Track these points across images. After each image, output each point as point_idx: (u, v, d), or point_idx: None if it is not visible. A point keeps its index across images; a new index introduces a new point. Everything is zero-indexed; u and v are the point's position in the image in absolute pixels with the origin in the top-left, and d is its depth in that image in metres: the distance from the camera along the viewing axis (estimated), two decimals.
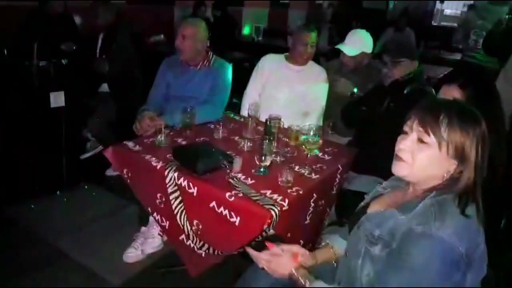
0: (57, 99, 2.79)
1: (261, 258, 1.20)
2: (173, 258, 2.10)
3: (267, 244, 1.21)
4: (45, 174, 2.92)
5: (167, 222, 1.81)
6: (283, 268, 1.18)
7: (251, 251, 1.23)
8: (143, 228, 2.33)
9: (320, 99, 2.66)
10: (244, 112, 2.67)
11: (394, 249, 1.00)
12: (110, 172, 3.27)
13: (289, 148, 1.98)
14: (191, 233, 1.69)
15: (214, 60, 2.52)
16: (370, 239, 1.07)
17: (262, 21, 7.89)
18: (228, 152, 1.83)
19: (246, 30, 6.23)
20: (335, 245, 1.35)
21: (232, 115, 2.56)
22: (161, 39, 5.22)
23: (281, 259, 1.19)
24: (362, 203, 1.28)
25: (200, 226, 1.67)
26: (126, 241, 2.35)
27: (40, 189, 2.88)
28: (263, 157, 1.72)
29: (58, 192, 2.95)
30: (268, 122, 1.93)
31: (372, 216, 1.14)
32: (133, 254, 2.24)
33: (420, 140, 1.04)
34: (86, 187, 3.10)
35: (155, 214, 1.86)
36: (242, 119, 2.47)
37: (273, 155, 1.78)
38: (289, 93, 2.61)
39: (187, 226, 1.69)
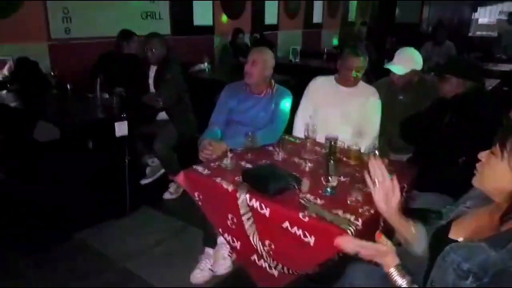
0: (121, 128, 2.99)
1: (369, 248, 1.22)
2: (240, 278, 2.18)
3: (377, 234, 1.25)
4: (111, 199, 3.11)
5: (239, 242, 1.90)
6: (385, 264, 1.21)
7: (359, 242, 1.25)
8: (207, 249, 2.43)
9: (374, 119, 2.69)
10: (297, 133, 2.76)
11: (486, 283, 0.99)
12: (167, 196, 3.43)
13: (353, 168, 2.04)
14: (264, 253, 1.76)
15: (276, 88, 2.64)
16: (458, 272, 1.06)
17: (297, 42, 8.06)
18: (291, 173, 1.91)
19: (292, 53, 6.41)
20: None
21: (287, 137, 2.65)
22: (205, 67, 5.46)
23: (385, 256, 1.21)
24: (443, 223, 1.30)
25: (273, 246, 1.74)
26: (191, 263, 2.45)
27: (106, 214, 3.06)
28: (329, 178, 1.78)
29: (122, 216, 3.12)
30: (331, 143, 2.00)
31: (458, 248, 1.11)
32: (200, 275, 2.33)
33: (492, 152, 1.09)
34: (147, 210, 3.26)
35: (226, 235, 1.95)
36: (297, 141, 2.56)
37: (339, 176, 1.84)
38: (342, 115, 2.67)
39: (259, 246, 1.77)
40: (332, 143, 2.01)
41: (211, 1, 6.34)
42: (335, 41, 9.44)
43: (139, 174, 3.50)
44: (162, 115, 3.39)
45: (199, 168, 2.06)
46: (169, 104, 3.27)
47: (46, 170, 3.11)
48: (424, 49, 5.90)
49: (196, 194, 2.02)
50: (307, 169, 2.07)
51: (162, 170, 3.57)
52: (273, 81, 2.70)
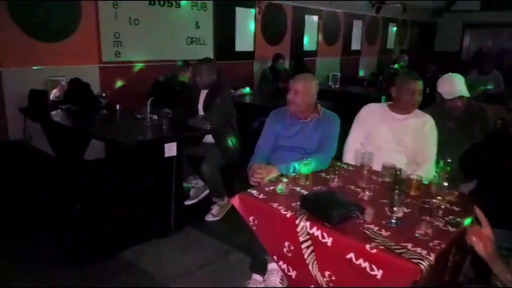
0: (171, 149, 3.03)
1: None
2: None
3: None
4: (156, 218, 3.13)
5: (295, 271, 1.83)
6: None
7: None
8: (255, 275, 2.37)
9: (430, 147, 2.61)
10: (347, 160, 2.70)
11: None
12: (209, 218, 3.42)
13: (415, 199, 1.95)
14: (323, 284, 1.69)
15: (323, 112, 2.62)
16: None
17: (335, 69, 8.07)
18: (353, 201, 1.84)
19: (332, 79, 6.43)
20: None
21: (339, 163, 2.59)
22: (245, 92, 5.53)
23: None
24: None
25: (333, 278, 1.67)
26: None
27: (151, 232, 3.08)
28: (394, 209, 1.71)
29: (167, 236, 3.13)
30: (396, 172, 1.93)
31: None
32: None
33: None
34: (190, 231, 3.25)
35: (281, 263, 1.89)
36: (350, 168, 2.50)
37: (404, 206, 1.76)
38: (396, 142, 2.60)
39: (319, 277, 1.70)
40: (399, 172, 1.94)
41: (253, 28, 6.48)
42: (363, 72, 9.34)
43: (183, 195, 3.51)
44: (209, 138, 3.42)
45: (254, 192, 2.04)
46: (216, 127, 3.30)
47: (94, 188, 3.19)
48: (470, 77, 5.75)
49: (251, 218, 1.98)
50: (365, 198, 2.00)
51: (206, 192, 3.58)
52: (319, 106, 2.67)
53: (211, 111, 3.32)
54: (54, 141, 4.05)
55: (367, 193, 2.03)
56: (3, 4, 3.79)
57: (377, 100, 5.51)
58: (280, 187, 2.04)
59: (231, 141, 3.38)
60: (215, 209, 3.45)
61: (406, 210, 1.84)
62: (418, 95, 2.59)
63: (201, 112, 3.44)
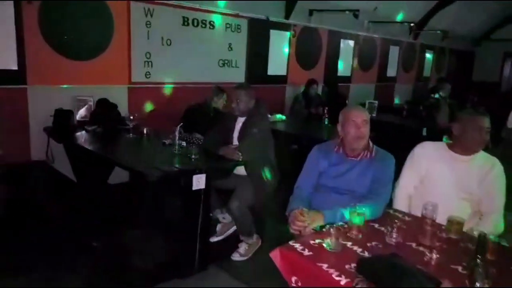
0: (199, 182, 2.76)
1: None
2: None
3: None
4: (179, 255, 2.85)
5: None
6: None
7: None
8: None
9: (498, 197, 2.23)
10: (398, 206, 2.36)
11: None
12: (236, 257, 3.11)
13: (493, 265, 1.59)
14: None
15: (376, 151, 2.29)
16: None
17: (369, 96, 7.74)
18: (424, 271, 1.49)
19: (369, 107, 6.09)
20: None
21: (391, 211, 2.24)
22: (281, 119, 5.26)
23: None
24: None
25: None
26: None
27: (173, 271, 2.79)
28: (477, 284, 1.36)
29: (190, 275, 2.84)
30: (481, 236, 1.56)
31: None
32: None
33: None
34: (215, 271, 2.94)
35: None
36: (407, 218, 2.15)
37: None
38: (459, 189, 2.24)
39: None
40: (484, 236, 1.57)
41: (287, 52, 6.26)
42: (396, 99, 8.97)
43: (209, 230, 3.21)
44: (241, 170, 3.13)
45: (298, 247, 1.71)
46: (250, 159, 3.02)
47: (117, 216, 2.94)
48: None
49: (293, 279, 1.66)
50: (433, 262, 1.64)
51: (233, 228, 3.27)
52: (371, 143, 2.35)
53: (246, 141, 3.05)
54: (77, 164, 3.86)
55: (435, 255, 1.67)
56: (34, 21, 3.69)
57: (419, 132, 5.14)
58: (329, 242, 1.71)
59: (265, 175, 3.08)
60: (242, 247, 3.14)
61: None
62: (486, 133, 2.24)
63: (235, 141, 3.17)
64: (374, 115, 6.03)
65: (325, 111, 5.03)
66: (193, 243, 2.86)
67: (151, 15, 4.50)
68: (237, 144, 3.14)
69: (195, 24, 4.96)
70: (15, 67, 3.66)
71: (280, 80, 6.31)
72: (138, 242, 2.67)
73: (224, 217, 3.30)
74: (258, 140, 3.07)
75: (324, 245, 1.73)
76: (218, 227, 3.30)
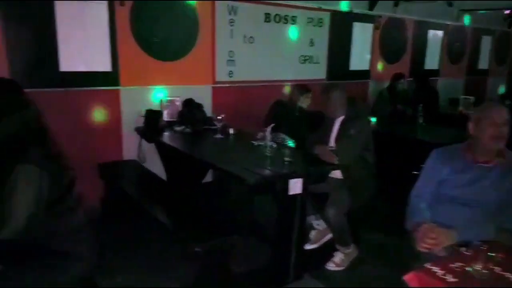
0: (296, 186, 2.60)
1: None
2: None
3: None
4: (274, 263, 2.71)
5: None
6: None
7: None
8: None
9: None
10: None
11: None
12: (331, 266, 2.91)
13: None
14: None
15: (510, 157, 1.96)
16: None
17: (457, 91, 7.08)
18: None
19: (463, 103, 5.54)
20: None
21: None
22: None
23: None
24: None
25: None
26: None
27: (268, 279, 2.66)
28: None
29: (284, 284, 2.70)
30: None
31: None
32: None
33: None
34: (310, 282, 2.78)
35: None
36: None
37: None
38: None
39: None
40: None
41: (370, 46, 5.89)
42: (501, 89, 8.12)
43: (303, 237, 3.04)
44: (337, 173, 2.92)
45: (437, 271, 1.47)
46: (347, 162, 2.79)
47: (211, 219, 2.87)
48: None
49: None
50: None
51: (328, 236, 3.07)
52: (505, 147, 2.01)
53: (343, 144, 2.83)
54: (169, 164, 3.89)
55: None
56: (126, 23, 3.76)
57: None
58: (476, 268, 1.45)
59: (363, 180, 2.84)
60: (338, 257, 2.93)
61: None
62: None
63: (332, 143, 2.96)
64: (471, 111, 5.46)
65: (419, 109, 4.60)
66: (288, 251, 2.72)
67: (235, 13, 4.42)
68: (334, 146, 2.93)
69: (277, 20, 4.80)
70: (109, 69, 3.76)
71: (363, 75, 5.95)
72: (233, 248, 2.56)
73: (318, 224, 3.11)
74: (355, 142, 2.84)
75: (470, 270, 1.46)
76: (312, 234, 3.11)
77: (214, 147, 3.47)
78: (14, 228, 1.49)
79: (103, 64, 3.74)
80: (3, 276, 1.57)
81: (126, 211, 3.23)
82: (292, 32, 4.98)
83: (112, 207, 3.57)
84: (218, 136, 3.59)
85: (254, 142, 3.29)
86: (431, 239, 1.72)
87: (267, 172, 2.62)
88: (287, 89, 4.94)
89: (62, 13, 3.42)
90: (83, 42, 3.57)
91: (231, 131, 3.71)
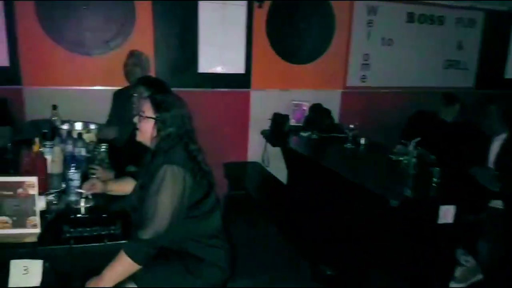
0: (447, 214, 2.20)
1: None
2: None
3: None
4: None
5: None
6: None
7: None
8: None
9: None
10: None
11: None
12: None
13: None
14: None
15: None
16: None
17: None
18: None
19: None
20: None
21: None
22: None
23: None
24: None
25: None
26: None
27: None
28: None
29: None
30: None
31: None
32: None
33: None
34: None
35: None
36: None
37: None
38: None
39: None
40: None
41: None
42: None
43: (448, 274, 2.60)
44: (497, 203, 2.41)
45: None
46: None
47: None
48: None
49: None
50: None
51: (479, 276, 2.56)
52: None
53: (509, 168, 2.31)
54: (293, 170, 3.76)
55: None
56: (263, 25, 3.73)
57: None
58: None
59: None
60: None
61: None
62: None
63: (490, 164, 2.47)
64: None
65: None
66: None
67: (375, 13, 4.08)
68: (493, 169, 2.43)
69: (421, 20, 4.31)
70: (242, 71, 3.78)
71: None
72: (366, 280, 2.28)
73: (467, 260, 2.61)
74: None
75: None
76: (459, 271, 2.63)
77: (345, 158, 3.20)
78: (157, 227, 1.46)
79: (237, 66, 3.77)
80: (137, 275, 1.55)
81: (248, 214, 3.19)
82: (437, 33, 4.42)
83: (236, 208, 3.56)
84: (348, 145, 3.31)
85: (392, 156, 2.93)
86: None
87: (413, 193, 2.26)
88: (427, 98, 4.41)
89: (205, 15, 3.53)
90: (222, 44, 3.64)
91: (362, 141, 3.39)
